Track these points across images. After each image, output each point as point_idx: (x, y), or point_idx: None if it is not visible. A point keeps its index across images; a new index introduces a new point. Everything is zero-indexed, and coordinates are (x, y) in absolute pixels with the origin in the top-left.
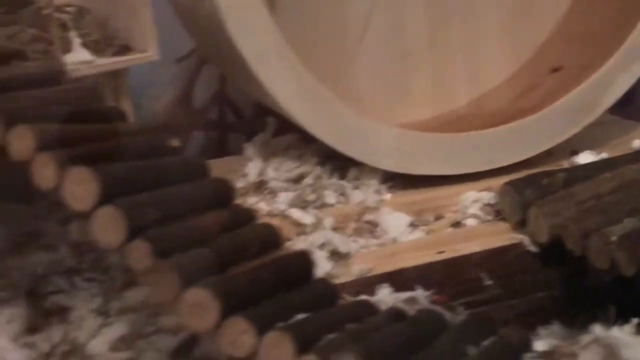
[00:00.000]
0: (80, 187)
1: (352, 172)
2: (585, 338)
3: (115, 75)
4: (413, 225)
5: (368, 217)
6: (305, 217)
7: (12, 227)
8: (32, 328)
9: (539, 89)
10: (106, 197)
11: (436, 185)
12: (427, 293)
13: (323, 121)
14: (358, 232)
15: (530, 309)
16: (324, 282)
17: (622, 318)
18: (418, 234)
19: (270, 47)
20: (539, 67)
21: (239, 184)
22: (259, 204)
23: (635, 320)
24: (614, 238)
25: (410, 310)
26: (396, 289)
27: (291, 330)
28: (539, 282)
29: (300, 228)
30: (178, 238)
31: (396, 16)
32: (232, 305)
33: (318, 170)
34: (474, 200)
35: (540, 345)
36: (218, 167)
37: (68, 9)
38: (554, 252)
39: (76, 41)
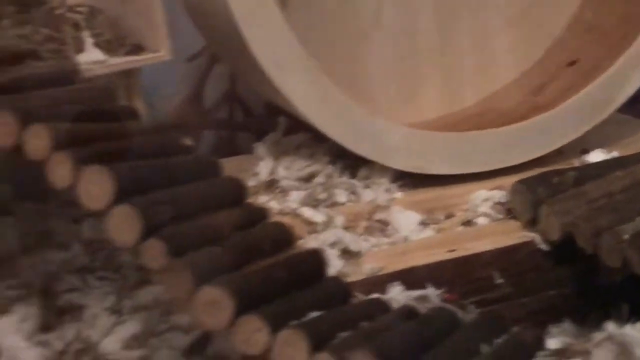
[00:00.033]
0: (95, 186)
1: (363, 171)
2: (598, 336)
3: (128, 74)
4: (424, 224)
5: (379, 215)
6: (317, 216)
7: (24, 225)
8: (46, 326)
9: (554, 84)
10: (121, 196)
11: (446, 183)
12: (438, 291)
13: (335, 120)
14: (369, 231)
15: (542, 307)
16: (337, 280)
17: (634, 316)
18: (429, 233)
19: (284, 49)
20: (553, 63)
21: (250, 182)
22: (270, 203)
23: None
24: (625, 236)
25: (422, 308)
26: (407, 288)
27: (305, 328)
28: (550, 281)
29: (312, 227)
30: (192, 237)
31: (405, 13)
32: (246, 303)
33: (329, 169)
34: (484, 198)
35: (552, 343)
36: (228, 166)
37: (80, 8)
38: (565, 250)
39: (89, 41)
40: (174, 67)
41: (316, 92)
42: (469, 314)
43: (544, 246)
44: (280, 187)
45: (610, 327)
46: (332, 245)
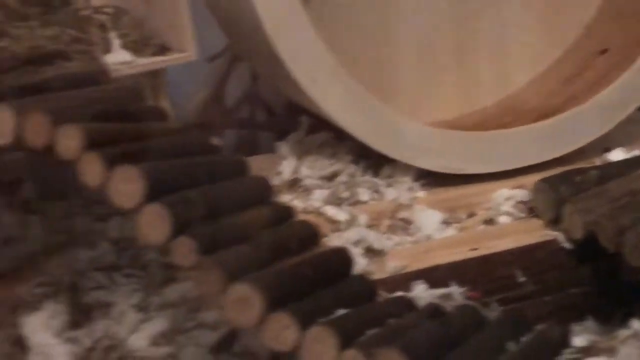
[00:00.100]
0: (126, 185)
1: (386, 170)
2: (623, 333)
3: (154, 75)
4: (446, 223)
5: (402, 214)
6: (340, 214)
7: (51, 224)
8: (74, 323)
9: (586, 74)
10: (151, 195)
11: (468, 182)
12: (461, 289)
13: (363, 122)
14: (392, 230)
15: (564, 306)
16: (363, 278)
17: None
18: (451, 231)
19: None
20: (583, 52)
21: (274, 182)
22: (294, 202)
23: None
24: None
25: (447, 306)
26: (430, 286)
27: (334, 325)
28: (573, 279)
29: (335, 225)
30: (221, 235)
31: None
32: (275, 300)
33: (352, 168)
34: (506, 197)
35: (577, 341)
36: (251, 166)
37: (105, 9)
38: (587, 249)
39: (116, 42)
40: (195, 66)
41: (345, 96)
42: (493, 312)
43: (566, 245)
44: (303, 186)
45: (636, 324)
46: (356, 243)
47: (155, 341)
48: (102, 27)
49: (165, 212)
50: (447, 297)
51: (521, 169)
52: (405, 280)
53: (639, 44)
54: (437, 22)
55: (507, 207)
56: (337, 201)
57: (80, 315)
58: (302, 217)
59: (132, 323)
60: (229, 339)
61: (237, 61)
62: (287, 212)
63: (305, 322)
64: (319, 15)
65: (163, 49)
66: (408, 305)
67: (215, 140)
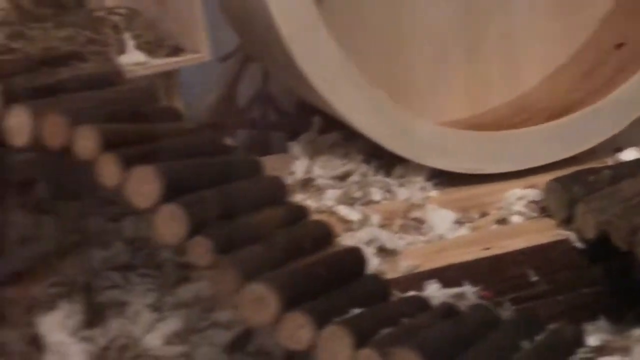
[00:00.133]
0: (143, 185)
1: (398, 170)
2: (637, 332)
3: (168, 75)
4: (458, 222)
5: (414, 214)
6: (352, 214)
7: (65, 224)
8: (89, 323)
9: (602, 68)
10: (167, 195)
11: (481, 182)
12: (474, 289)
13: (374, 120)
14: (404, 229)
15: (576, 305)
16: (376, 278)
17: None
18: (463, 231)
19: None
20: (600, 46)
21: (286, 181)
22: (306, 201)
23: None
24: None
25: (460, 306)
26: (443, 285)
27: (349, 324)
28: (585, 279)
29: (347, 225)
30: (237, 234)
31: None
32: (290, 300)
33: (364, 167)
34: (519, 197)
35: (590, 340)
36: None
37: (119, 10)
38: (600, 248)
39: (130, 43)
40: (207, 66)
41: (358, 96)
42: (506, 312)
43: (578, 244)
44: (316, 185)
45: None
46: (368, 243)
47: (170, 340)
48: (116, 28)
49: (182, 212)
50: (460, 296)
51: (533, 169)
52: (417, 279)
53: None
54: (449, 22)
55: (519, 206)
56: (349, 201)
57: (95, 314)
58: (315, 216)
59: (146, 322)
60: (243, 339)
61: (249, 61)
62: (301, 212)
63: (320, 321)
64: (331, 15)
65: (176, 50)
66: (422, 304)
67: (230, 141)
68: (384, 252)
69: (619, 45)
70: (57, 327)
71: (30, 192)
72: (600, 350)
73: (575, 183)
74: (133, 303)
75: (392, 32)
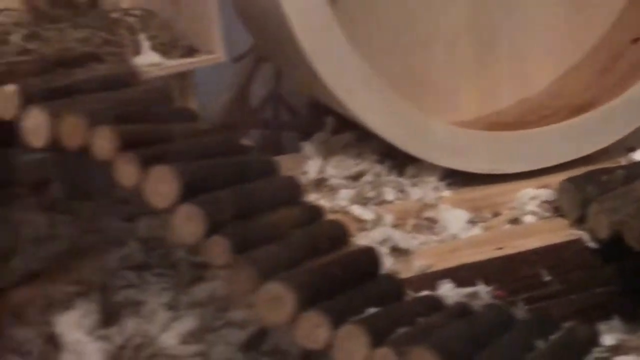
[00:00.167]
0: (161, 185)
1: (411, 170)
2: None
3: (183, 76)
4: (471, 222)
5: (427, 213)
6: (366, 214)
7: (81, 224)
8: (106, 322)
9: (620, 62)
10: (185, 195)
11: (493, 182)
12: (487, 288)
13: (389, 121)
14: (417, 229)
15: (590, 305)
16: (391, 277)
17: None
18: (476, 231)
19: (335, 45)
20: (617, 41)
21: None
22: (320, 201)
23: None
24: None
25: (474, 305)
26: (456, 285)
27: (365, 324)
28: (598, 278)
29: (361, 224)
30: (253, 234)
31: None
32: (307, 299)
33: (377, 167)
34: (531, 197)
35: (605, 339)
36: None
37: (134, 11)
38: (613, 248)
39: (145, 44)
40: (220, 67)
41: (373, 97)
42: (520, 311)
43: (591, 244)
44: (329, 185)
45: None
46: (382, 243)
47: (185, 339)
48: (131, 29)
49: (199, 212)
50: (473, 296)
51: (546, 169)
52: (431, 279)
53: None
54: (460, 21)
55: (532, 206)
56: (363, 201)
57: (111, 313)
58: (328, 216)
59: (162, 321)
60: (258, 338)
61: (262, 62)
62: (316, 212)
63: (337, 320)
64: (345, 15)
65: (191, 51)
66: (436, 304)
67: (246, 141)
68: (397, 251)
69: (635, 40)
70: (73, 326)
71: (45, 192)
72: (616, 349)
73: (589, 183)
74: (148, 302)
75: (405, 32)
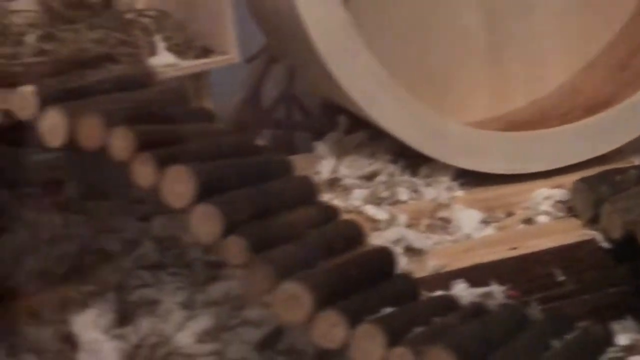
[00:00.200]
0: (178, 185)
1: (424, 169)
2: None
3: (198, 77)
4: (485, 222)
5: (441, 213)
6: (380, 214)
7: (96, 224)
8: (122, 321)
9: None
10: (202, 195)
11: (506, 182)
12: (502, 288)
13: (404, 121)
14: (431, 229)
15: (603, 304)
16: (406, 277)
17: None
18: (490, 231)
19: (348, 45)
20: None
21: None
22: (333, 201)
23: None
24: None
25: (488, 305)
26: (470, 285)
27: (381, 323)
28: (612, 278)
29: (375, 224)
30: (270, 234)
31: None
32: (323, 298)
33: (390, 167)
34: (545, 197)
35: (619, 339)
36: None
37: (149, 12)
38: (626, 248)
39: (160, 45)
40: (233, 67)
41: (390, 100)
42: (534, 311)
43: (605, 244)
44: (343, 185)
45: None
46: (396, 242)
47: (201, 338)
48: (146, 30)
49: (216, 212)
50: (487, 296)
51: (560, 169)
52: (445, 279)
53: None
54: (473, 22)
55: (545, 206)
56: (376, 200)
57: (127, 313)
58: (343, 216)
59: (177, 321)
60: (274, 337)
61: (274, 62)
62: (332, 212)
63: (353, 320)
64: (358, 15)
65: (206, 51)
66: (451, 304)
67: (261, 141)
68: (411, 251)
69: None
70: (90, 325)
71: (59, 192)
72: (630, 349)
73: (602, 183)
74: (164, 301)
75: (418, 33)
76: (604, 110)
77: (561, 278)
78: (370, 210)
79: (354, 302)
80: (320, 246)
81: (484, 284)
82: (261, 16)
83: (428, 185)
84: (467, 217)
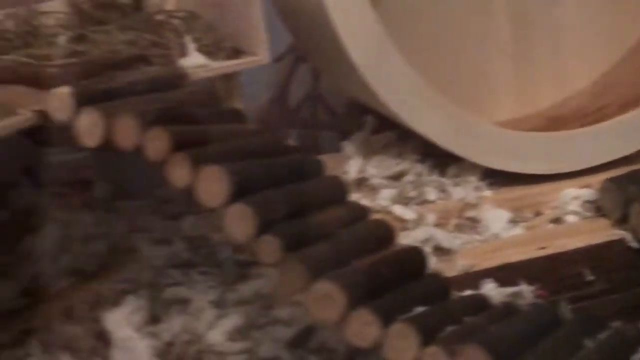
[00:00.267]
0: (213, 185)
1: (452, 169)
2: None
3: (228, 78)
4: (513, 222)
5: (469, 213)
6: (408, 213)
7: (127, 222)
8: (154, 318)
9: None
10: (236, 194)
11: (534, 182)
12: (531, 288)
13: (434, 121)
14: (459, 228)
15: (632, 304)
16: (437, 277)
17: None
18: (518, 230)
19: (377, 43)
20: None
21: None
22: (361, 201)
23: None
24: None
25: (521, 305)
26: (499, 284)
27: (414, 322)
28: None
29: (403, 224)
30: (303, 233)
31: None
32: (356, 297)
33: (418, 167)
34: (573, 196)
35: None
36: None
37: (178, 14)
38: None
39: (191, 46)
40: (260, 67)
41: (417, 97)
42: (564, 311)
43: (634, 244)
44: (370, 185)
45: None
46: (424, 242)
47: (232, 336)
48: (176, 31)
49: (251, 211)
50: (516, 295)
51: (588, 168)
52: (474, 278)
53: None
54: (498, 23)
55: (574, 206)
56: (404, 200)
57: (159, 311)
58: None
59: (209, 319)
60: (305, 335)
61: (300, 62)
62: (363, 211)
63: (386, 319)
64: (385, 15)
65: (236, 52)
66: (482, 303)
67: (292, 141)
68: (440, 251)
69: None
70: (123, 323)
71: (89, 192)
72: None
73: (631, 183)
74: (195, 300)
75: (444, 32)
76: (634, 109)
77: (590, 278)
78: (398, 210)
79: (386, 301)
80: (352, 245)
81: (513, 283)
82: (288, 15)
83: (456, 185)
84: (496, 217)
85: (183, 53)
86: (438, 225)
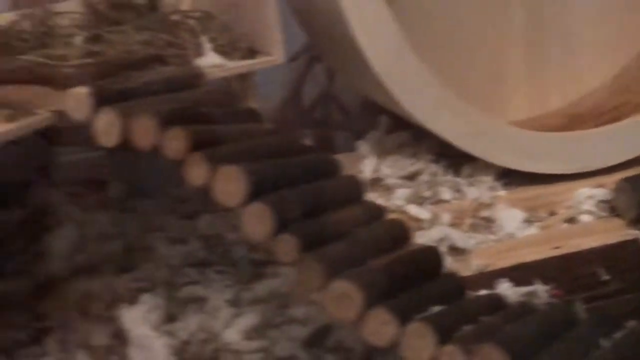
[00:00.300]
0: (230, 185)
1: (466, 169)
2: None
3: (243, 77)
4: (528, 221)
5: (483, 213)
6: (422, 213)
7: (142, 222)
8: (171, 317)
9: None
10: (254, 194)
11: (548, 181)
12: (546, 288)
13: (448, 121)
14: (474, 228)
15: None
16: (453, 276)
17: None
18: (533, 230)
19: (393, 45)
20: None
21: None
22: (376, 201)
23: None
24: None
25: (537, 304)
26: (514, 284)
27: (431, 321)
28: None
29: (418, 224)
30: (321, 232)
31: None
32: (373, 297)
33: (433, 167)
34: (588, 196)
35: None
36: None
37: (194, 14)
38: None
39: (207, 46)
40: (274, 66)
41: (432, 98)
42: (579, 310)
43: None
44: (385, 185)
45: None
46: (439, 242)
47: (249, 335)
48: (192, 31)
49: (268, 211)
50: (531, 295)
51: (602, 168)
52: (488, 278)
53: None
54: (511, 23)
55: (588, 206)
56: (419, 200)
57: (176, 309)
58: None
59: (225, 317)
60: (321, 334)
61: (315, 61)
62: (378, 211)
63: (403, 318)
64: (401, 15)
65: (251, 52)
66: (498, 302)
67: (309, 141)
68: (455, 250)
69: None
70: (140, 321)
71: (104, 191)
72: None
73: None
74: (211, 298)
75: (462, 33)
76: None
77: (605, 277)
78: (413, 209)
79: (403, 300)
80: (369, 245)
81: (528, 283)
82: (302, 14)
83: (470, 184)
84: (510, 217)
85: (199, 53)
86: (453, 225)
